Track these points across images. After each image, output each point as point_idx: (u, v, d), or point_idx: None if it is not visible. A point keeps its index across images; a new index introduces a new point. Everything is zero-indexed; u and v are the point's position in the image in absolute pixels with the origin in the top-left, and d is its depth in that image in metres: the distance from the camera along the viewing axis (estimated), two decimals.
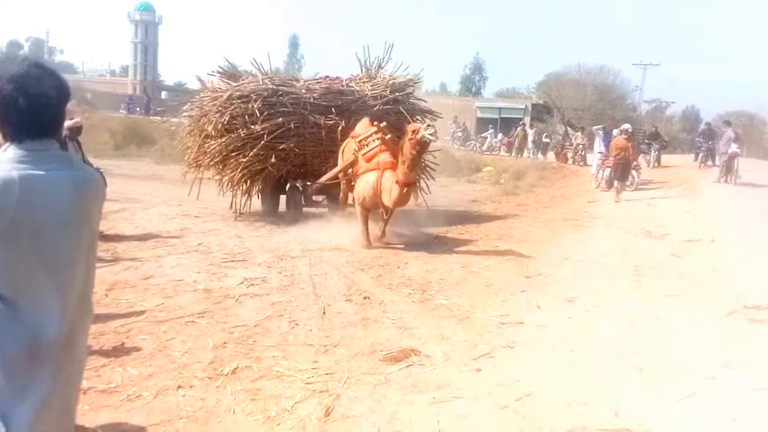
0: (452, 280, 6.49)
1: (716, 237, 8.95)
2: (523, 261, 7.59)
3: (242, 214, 10.32)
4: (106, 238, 7.49)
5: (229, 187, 10.34)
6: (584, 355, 4.37)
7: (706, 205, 12.39)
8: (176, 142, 11.65)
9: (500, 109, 42.19)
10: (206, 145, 10.09)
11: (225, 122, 9.59)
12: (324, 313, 5.15)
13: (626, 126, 14.58)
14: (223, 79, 10.52)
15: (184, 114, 12.27)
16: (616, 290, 6.23)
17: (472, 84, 58.76)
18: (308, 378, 3.80)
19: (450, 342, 4.53)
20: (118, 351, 4.07)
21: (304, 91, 10.03)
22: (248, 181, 10.30)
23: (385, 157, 8.15)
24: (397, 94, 10.71)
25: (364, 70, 11.28)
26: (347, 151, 9.04)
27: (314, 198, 10.66)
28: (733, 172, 15.29)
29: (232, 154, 9.78)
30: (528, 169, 20.63)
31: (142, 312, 4.89)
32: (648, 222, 10.66)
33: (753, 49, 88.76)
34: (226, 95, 9.73)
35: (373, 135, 8.51)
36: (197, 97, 11.20)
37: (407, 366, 4.04)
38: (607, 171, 14.91)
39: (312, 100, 9.91)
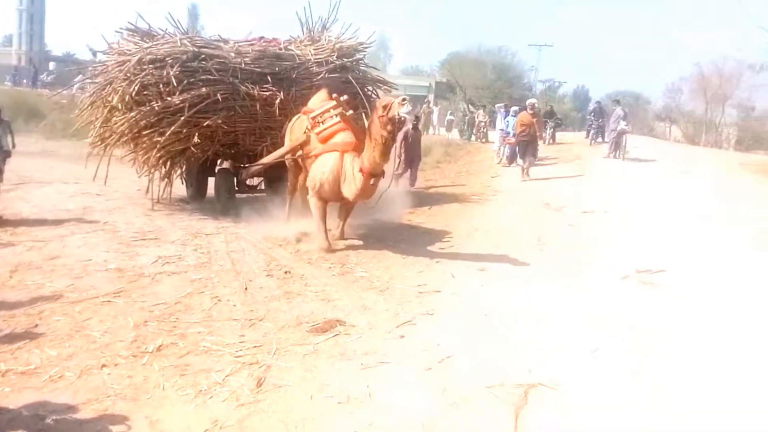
0: (369, 253, 6.64)
1: (609, 208, 9.68)
2: (435, 234, 7.88)
3: (161, 201, 9.02)
4: (1, 220, 7.03)
5: (144, 170, 8.80)
6: (497, 319, 4.67)
7: (598, 179, 13.29)
8: (74, 116, 9.67)
9: (405, 86, 42.67)
10: (112, 120, 8.35)
11: (134, 93, 7.80)
12: (246, 288, 5.15)
13: (532, 101, 14.59)
14: (133, 40, 8.54)
15: (76, 86, 11.31)
16: (522, 259, 6.63)
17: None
18: (237, 352, 3.83)
19: (372, 312, 4.69)
20: (32, 333, 3.90)
21: (233, 54, 8.26)
22: (167, 164, 8.76)
23: (346, 137, 6.79)
24: (345, 59, 9.08)
25: (305, 31, 9.59)
26: (297, 128, 7.56)
27: (249, 183, 9.32)
28: (621, 148, 16.44)
29: (145, 132, 8.08)
30: (433, 145, 21.12)
31: (53, 294, 4.69)
32: (546, 195, 11.31)
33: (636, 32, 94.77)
34: (135, 59, 7.87)
35: (331, 110, 7.06)
36: (98, 63, 9.34)
37: (334, 336, 4.16)
38: (508, 148, 15.54)
39: (243, 65, 8.18)
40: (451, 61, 44.74)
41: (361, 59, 9.64)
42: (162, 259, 5.97)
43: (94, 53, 11.36)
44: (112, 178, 9.40)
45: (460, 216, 9.30)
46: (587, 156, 16.86)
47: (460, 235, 7.87)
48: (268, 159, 8.01)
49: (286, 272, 5.72)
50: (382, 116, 5.94)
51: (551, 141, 20.07)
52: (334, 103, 7.00)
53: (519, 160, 13.95)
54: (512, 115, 15.40)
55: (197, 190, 9.77)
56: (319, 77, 8.52)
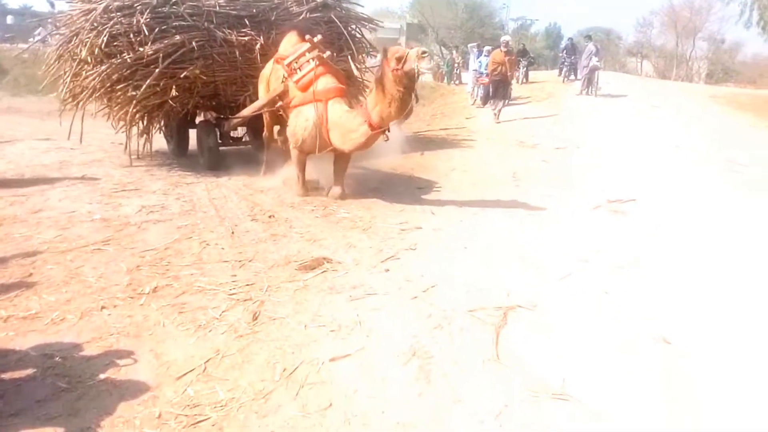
0: (350, 195, 6.78)
1: (581, 144, 9.91)
2: (413, 173, 8.04)
3: (140, 157, 8.68)
4: None
5: (120, 125, 8.40)
6: (477, 250, 4.89)
7: (570, 115, 13.50)
8: (40, 72, 9.06)
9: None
10: (82, 75, 7.85)
11: (103, 44, 7.28)
12: (233, 232, 5.28)
13: (506, 38, 14.21)
14: None
15: (37, 39, 10.93)
16: (498, 194, 6.84)
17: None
18: (230, 290, 3.99)
19: (357, 249, 4.87)
20: (28, 282, 4.00)
21: None
22: (145, 119, 8.41)
23: (328, 82, 6.33)
24: None
25: None
26: (273, 78, 7.05)
27: (233, 134, 8.93)
28: (593, 84, 16.64)
29: (119, 87, 7.62)
30: None
31: (42, 244, 4.77)
32: (520, 133, 11.52)
33: None
34: (101, 7, 7.38)
35: (307, 54, 6.58)
36: (60, 13, 8.82)
37: (322, 272, 4.33)
38: (482, 88, 15.56)
39: (218, 9, 7.70)
40: (421, 1, 43.91)
41: None
42: (145, 208, 6.05)
43: (53, 4, 10.98)
44: (85, 132, 8.83)
45: (437, 156, 9.45)
46: (560, 94, 17.02)
47: (438, 175, 8.04)
48: (246, 111, 7.66)
49: (270, 216, 5.85)
50: (397, 69, 5.38)
51: (524, 80, 20.13)
52: (307, 45, 6.57)
53: (491, 101, 13.79)
54: (485, 55, 15.35)
55: (179, 145, 9.45)
56: (301, 18, 8.00)
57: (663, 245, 5.14)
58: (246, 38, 7.74)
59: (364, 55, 9.04)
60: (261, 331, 3.43)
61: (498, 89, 13.31)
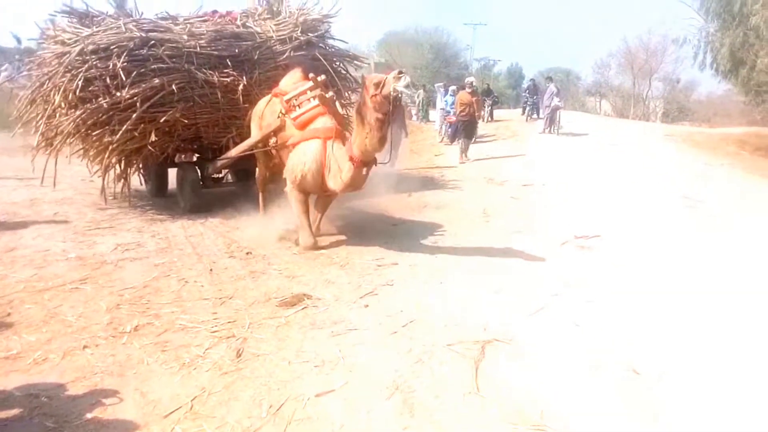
0: (326, 232, 6.87)
1: (547, 181, 10.24)
2: (387, 210, 8.18)
3: (116, 198, 8.30)
4: None
5: (96, 170, 8.01)
6: (452, 286, 5.02)
7: (535, 153, 13.93)
8: (13, 117, 8.42)
9: None
10: (56, 119, 7.45)
11: (78, 88, 6.92)
12: (211, 270, 5.32)
13: (470, 79, 14.54)
14: (70, 25, 7.59)
15: (1, 76, 10.65)
16: (471, 230, 7.04)
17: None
18: (212, 327, 4.03)
19: (336, 285, 4.96)
20: (6, 322, 3.98)
21: (186, 37, 7.37)
22: (121, 163, 7.96)
23: (327, 121, 6.09)
24: (310, 34, 8.23)
25: (261, 2, 8.72)
26: (268, 113, 6.75)
27: (215, 176, 8.48)
28: (556, 123, 17.21)
29: (94, 132, 7.24)
30: None
31: (18, 283, 4.74)
32: (488, 171, 11.83)
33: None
34: (76, 50, 6.98)
35: (308, 92, 6.37)
36: (28, 53, 8.83)
37: (302, 309, 4.41)
38: (449, 126, 15.93)
39: (198, 49, 7.33)
40: (388, 41, 44.93)
41: (327, 32, 8.70)
42: (121, 246, 6.05)
43: (19, 40, 10.87)
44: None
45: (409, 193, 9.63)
46: (524, 132, 17.55)
47: (411, 211, 8.21)
48: (237, 150, 7.31)
49: (247, 253, 5.91)
50: (375, 95, 5.17)
51: (489, 119, 20.69)
52: (310, 84, 6.31)
53: (459, 140, 14.04)
54: (450, 94, 15.85)
55: (157, 185, 9.04)
56: (284, 57, 7.81)
57: (628, 279, 5.36)
58: (228, 79, 7.46)
59: (350, 92, 8.92)
60: (245, 368, 3.49)
61: (466, 129, 13.59)
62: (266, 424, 2.93)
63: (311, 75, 6.19)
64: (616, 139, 17.11)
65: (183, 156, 8.55)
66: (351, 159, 5.58)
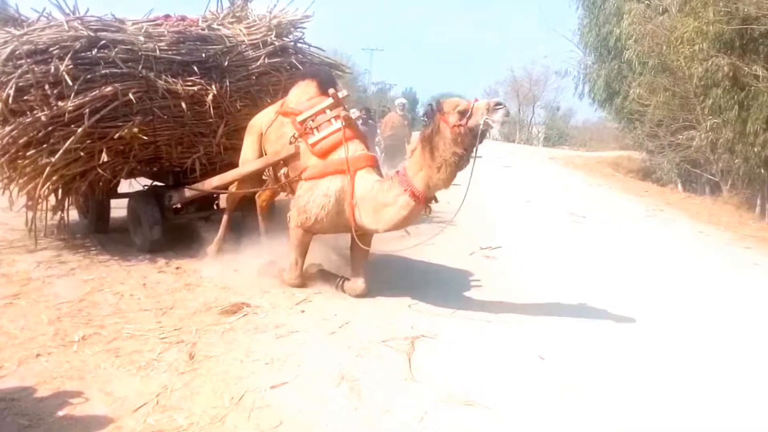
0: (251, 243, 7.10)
1: (449, 200, 11.01)
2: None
3: (48, 236, 6.77)
4: None
5: (26, 201, 6.34)
6: (378, 291, 5.48)
7: None
8: None
9: None
10: None
11: (9, 98, 5.65)
12: (144, 284, 5.46)
13: (402, 101, 13.61)
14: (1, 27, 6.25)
15: None
16: (387, 242, 7.53)
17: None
18: (160, 335, 4.24)
19: (272, 294, 5.27)
20: None
21: (142, 39, 6.16)
22: (59, 191, 6.45)
23: (357, 148, 5.08)
24: (285, 39, 7.13)
25: (223, 6, 7.43)
26: (274, 135, 5.65)
27: (177, 206, 6.83)
28: None
29: (29, 154, 5.87)
30: None
31: None
32: None
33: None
34: (6, 52, 5.73)
35: (327, 112, 5.30)
36: None
37: (244, 315, 4.70)
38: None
39: (158, 52, 6.15)
40: None
41: (301, 38, 7.52)
42: (42, 264, 5.99)
43: None
44: None
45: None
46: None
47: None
48: (222, 179, 6.10)
49: (177, 268, 6.06)
50: (459, 125, 4.34)
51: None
52: (329, 101, 5.32)
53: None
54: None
55: (98, 219, 7.39)
56: (258, 64, 6.73)
57: (530, 282, 6.12)
58: (194, 88, 6.27)
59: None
60: (201, 368, 3.76)
61: (396, 154, 11.82)
62: (231, 412, 3.24)
63: (331, 91, 5.31)
64: (507, 161, 18.56)
65: (137, 182, 7.26)
66: (412, 194, 4.63)
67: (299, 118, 5.31)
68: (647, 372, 4.09)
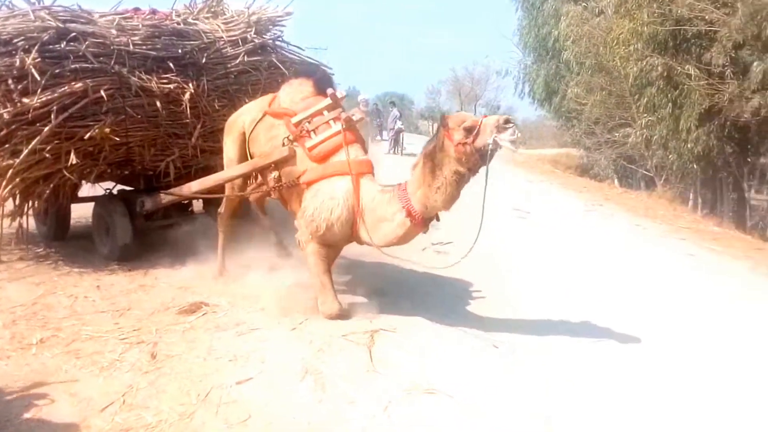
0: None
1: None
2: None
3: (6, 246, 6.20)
4: None
5: None
6: (336, 289, 5.59)
7: (385, 172, 14.97)
8: None
9: None
10: None
11: None
12: (98, 286, 5.41)
13: (364, 97, 14.18)
14: None
15: None
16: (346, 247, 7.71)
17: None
18: (120, 336, 4.25)
19: (229, 294, 5.30)
20: None
21: (115, 32, 5.86)
22: (19, 196, 5.88)
23: (358, 153, 4.77)
24: (265, 36, 6.86)
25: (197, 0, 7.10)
26: (264, 137, 5.17)
27: (149, 211, 6.21)
28: (399, 144, 18.62)
29: None
30: None
31: None
32: None
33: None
34: None
35: (325, 113, 4.87)
36: None
37: (203, 315, 4.74)
38: None
39: (132, 47, 5.85)
40: None
41: (280, 36, 7.23)
42: None
43: None
44: None
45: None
46: (372, 152, 18.66)
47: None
48: (203, 183, 5.55)
49: (129, 269, 6.02)
50: (464, 143, 4.02)
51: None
52: (326, 102, 4.90)
53: None
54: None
55: (57, 226, 6.99)
56: (237, 62, 6.48)
57: (484, 275, 6.36)
58: (170, 86, 5.98)
59: None
60: (164, 367, 3.80)
61: None
62: (199, 408, 3.32)
63: (330, 91, 4.94)
64: None
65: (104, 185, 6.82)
66: (409, 213, 4.38)
67: (294, 120, 4.89)
68: (590, 353, 4.40)
